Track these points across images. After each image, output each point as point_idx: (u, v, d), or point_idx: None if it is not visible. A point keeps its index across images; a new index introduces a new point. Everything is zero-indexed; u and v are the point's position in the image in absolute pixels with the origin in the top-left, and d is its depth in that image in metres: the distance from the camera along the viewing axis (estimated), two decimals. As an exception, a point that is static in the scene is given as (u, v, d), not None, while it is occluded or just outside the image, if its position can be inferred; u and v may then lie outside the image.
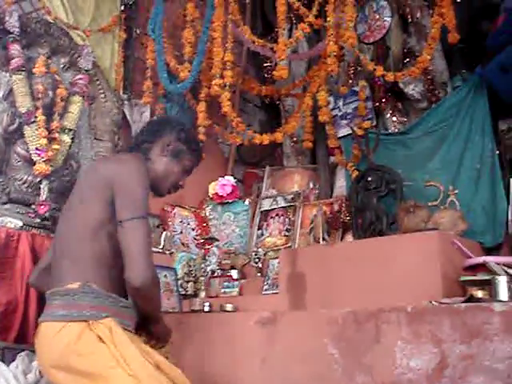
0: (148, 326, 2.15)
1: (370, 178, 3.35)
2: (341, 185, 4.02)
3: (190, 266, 3.66)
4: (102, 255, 2.03)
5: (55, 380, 1.96)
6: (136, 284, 1.92)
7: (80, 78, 3.66)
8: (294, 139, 4.51)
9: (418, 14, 3.95)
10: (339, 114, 4.21)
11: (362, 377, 2.05)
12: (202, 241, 3.94)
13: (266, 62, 4.71)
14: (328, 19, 3.26)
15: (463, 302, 2.02)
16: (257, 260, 3.62)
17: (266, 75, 4.73)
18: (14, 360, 2.72)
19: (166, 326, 2.20)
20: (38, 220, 3.35)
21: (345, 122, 4.16)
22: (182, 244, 3.96)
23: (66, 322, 1.92)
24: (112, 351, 1.87)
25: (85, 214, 2.04)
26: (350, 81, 4.15)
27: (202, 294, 3.52)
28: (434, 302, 2.13)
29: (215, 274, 3.65)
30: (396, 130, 3.96)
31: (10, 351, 2.86)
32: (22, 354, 2.69)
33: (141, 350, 1.92)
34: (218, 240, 3.96)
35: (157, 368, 1.91)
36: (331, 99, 4.11)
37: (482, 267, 2.37)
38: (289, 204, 4.04)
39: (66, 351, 1.88)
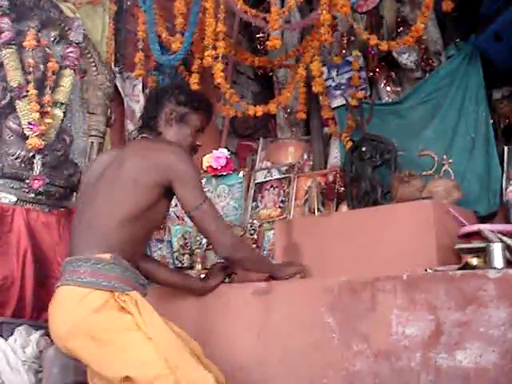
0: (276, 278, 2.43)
1: (364, 148, 3.35)
2: (335, 155, 4.02)
3: (185, 238, 3.66)
4: (136, 237, 2.13)
5: (71, 348, 1.98)
6: (228, 256, 2.27)
7: (71, 51, 3.64)
8: (288, 110, 4.49)
9: (412, -17, 3.91)
10: (333, 84, 4.18)
11: (358, 344, 2.06)
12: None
13: (259, 33, 4.67)
14: (321, -12, 3.22)
15: (458, 270, 2.03)
16: (252, 232, 3.63)
17: (258, 46, 4.69)
18: (11, 334, 2.74)
19: (286, 271, 2.44)
20: (32, 195, 3.35)
21: (338, 92, 4.13)
22: (177, 217, 3.96)
23: (92, 289, 1.96)
24: (136, 318, 1.94)
25: (132, 197, 2.10)
26: (344, 51, 4.11)
27: (198, 267, 3.53)
28: (429, 270, 2.14)
29: (210, 247, 3.66)
30: (390, 100, 3.95)
31: (7, 326, 2.87)
32: (20, 328, 2.71)
33: (164, 320, 2.01)
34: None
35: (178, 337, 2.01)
36: (325, 69, 4.07)
37: (477, 235, 2.37)
38: (283, 176, 4.03)
39: (91, 316, 1.93)
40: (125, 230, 2.07)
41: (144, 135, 2.32)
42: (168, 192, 2.17)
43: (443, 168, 3.10)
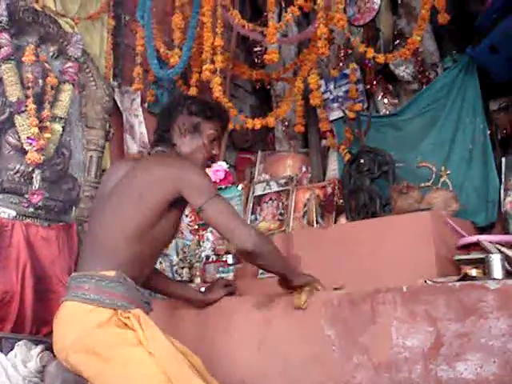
0: (289, 284, 2.27)
1: (362, 161, 3.36)
2: (333, 168, 4.03)
3: (184, 252, 3.67)
4: (143, 254, 2.10)
5: (72, 362, 1.98)
6: (247, 248, 2.04)
7: (70, 66, 3.66)
8: (286, 123, 4.52)
9: (408, -4, 3.94)
10: (330, 97, 4.20)
11: (358, 357, 2.06)
12: (196, 227, 3.94)
13: (256, 47, 4.70)
14: (318, 2, 3.24)
15: (458, 281, 2.04)
16: (251, 245, 3.63)
17: (256, 60, 4.72)
18: (11, 350, 2.73)
19: (303, 279, 2.28)
20: (32, 209, 3.36)
21: (336, 105, 4.15)
22: (176, 230, 3.96)
23: (96, 306, 1.96)
24: (138, 334, 1.93)
25: (138, 213, 2.08)
26: (341, 64, 4.14)
27: (198, 280, 3.53)
28: (428, 282, 2.15)
29: (210, 260, 3.66)
30: (387, 112, 3.98)
31: (7, 341, 2.86)
32: (20, 343, 2.70)
33: (165, 335, 1.99)
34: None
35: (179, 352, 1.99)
36: (322, 82, 4.10)
37: (476, 246, 2.38)
38: (282, 188, 4.04)
39: (93, 332, 1.92)
40: (131, 247, 2.06)
41: (159, 149, 2.31)
42: (176, 207, 2.15)
43: (441, 179, 3.11)
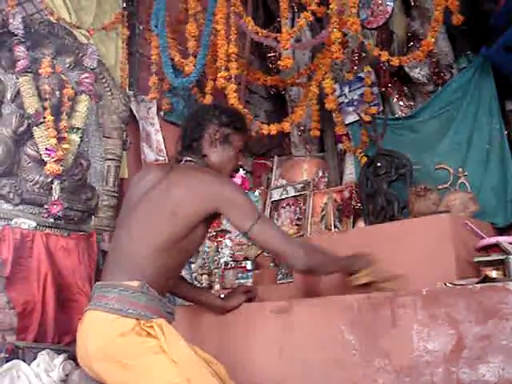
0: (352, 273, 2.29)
1: (379, 164, 3.36)
2: (350, 172, 4.02)
3: (203, 258, 3.68)
4: (169, 266, 2.11)
5: (96, 370, 1.99)
6: (302, 268, 2.15)
7: (86, 77, 3.69)
8: (302, 128, 4.52)
9: (421, -3, 3.93)
10: (345, 100, 4.20)
11: (379, 361, 2.06)
12: (215, 233, 3.95)
13: (270, 53, 4.71)
14: (331, 6, 3.25)
15: (478, 283, 2.02)
16: (269, 250, 3.64)
17: (270, 65, 4.73)
18: (34, 359, 2.75)
19: (358, 262, 2.29)
20: (52, 220, 3.39)
21: (351, 108, 4.15)
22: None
23: (119, 316, 1.96)
24: (161, 342, 1.93)
25: (170, 227, 2.08)
26: (355, 67, 4.14)
27: (217, 286, 3.54)
28: (448, 284, 2.14)
29: (229, 266, 3.67)
30: (403, 115, 3.95)
31: (29, 350, 2.89)
32: (43, 352, 2.72)
33: (188, 344, 2.00)
34: (230, 232, 3.98)
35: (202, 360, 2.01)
36: (337, 86, 4.10)
37: (495, 247, 2.37)
38: (299, 193, 4.04)
39: (116, 340, 1.93)
40: (158, 259, 2.06)
41: (188, 158, 2.30)
42: (206, 221, 2.15)
43: (459, 181, 3.10)
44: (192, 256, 2.37)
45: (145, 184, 2.24)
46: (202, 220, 2.12)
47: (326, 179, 4.15)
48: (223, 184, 2.15)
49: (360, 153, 3.77)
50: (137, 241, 2.09)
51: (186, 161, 2.30)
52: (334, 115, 3.98)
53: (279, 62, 3.36)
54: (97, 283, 2.12)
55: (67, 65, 3.72)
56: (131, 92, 4.18)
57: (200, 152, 2.29)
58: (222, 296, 2.65)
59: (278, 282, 3.28)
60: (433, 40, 3.34)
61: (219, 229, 3.95)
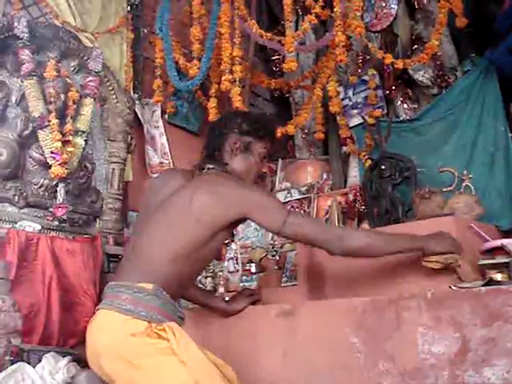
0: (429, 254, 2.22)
1: (383, 167, 3.35)
2: (354, 174, 4.02)
3: (207, 261, 3.68)
4: (184, 273, 2.12)
5: (104, 368, 2.00)
6: (349, 253, 2.14)
7: (91, 80, 3.69)
8: (306, 131, 4.52)
9: (425, 0, 3.93)
10: (350, 103, 4.20)
11: (384, 364, 2.06)
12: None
13: (274, 56, 4.72)
14: (335, 9, 3.25)
15: (483, 286, 2.02)
16: (274, 253, 3.63)
17: (274, 68, 4.73)
18: (39, 362, 2.75)
19: (439, 244, 2.21)
20: (56, 223, 3.39)
21: (356, 111, 4.15)
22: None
23: (131, 317, 1.97)
24: (171, 344, 1.94)
25: (192, 235, 2.09)
26: (359, 70, 4.14)
27: (221, 289, 3.54)
28: (453, 287, 2.14)
29: (233, 269, 3.67)
30: (407, 117, 3.95)
31: (34, 353, 2.88)
32: (48, 355, 2.71)
33: (199, 346, 2.01)
34: (234, 235, 3.97)
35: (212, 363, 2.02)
36: (341, 89, 4.10)
37: (500, 250, 2.36)
38: (303, 196, 4.04)
39: (127, 339, 1.94)
40: (175, 266, 2.06)
41: (210, 166, 2.29)
42: (228, 228, 2.16)
43: (463, 183, 3.09)
44: (209, 264, 2.37)
45: (167, 189, 2.24)
46: (225, 227, 2.13)
47: (331, 182, 4.15)
48: (246, 188, 2.16)
49: (364, 156, 3.77)
50: (157, 245, 2.09)
51: (208, 168, 2.30)
52: (338, 118, 3.98)
53: (283, 65, 3.37)
54: (110, 283, 2.12)
55: (72, 68, 3.73)
56: (136, 95, 4.19)
57: (221, 161, 2.30)
58: (227, 299, 2.66)
59: (283, 284, 3.28)
60: (437, 43, 3.35)
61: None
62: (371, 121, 3.70)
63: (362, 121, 3.87)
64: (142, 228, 2.21)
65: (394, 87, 4.03)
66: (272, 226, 2.12)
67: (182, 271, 2.08)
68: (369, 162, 3.65)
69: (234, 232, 3.97)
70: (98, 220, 3.72)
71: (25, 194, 3.35)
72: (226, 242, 3.81)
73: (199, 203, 2.11)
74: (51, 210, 3.37)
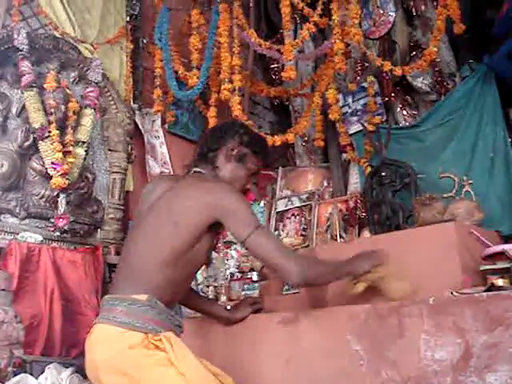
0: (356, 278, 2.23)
1: (383, 173, 3.35)
2: (355, 181, 4.02)
3: (209, 270, 3.68)
4: (176, 279, 2.10)
5: (104, 382, 1.99)
6: (296, 283, 2.10)
7: (91, 91, 3.71)
8: (306, 138, 4.53)
9: (422, 7, 3.96)
10: (349, 110, 4.21)
11: (387, 371, 2.05)
12: (220, 245, 3.96)
13: (273, 64, 4.73)
14: (333, 18, 3.27)
15: (484, 291, 2.02)
16: (275, 261, 3.63)
17: (273, 77, 4.75)
18: (42, 373, 2.75)
19: (364, 264, 2.22)
20: (58, 233, 3.40)
21: (355, 118, 4.15)
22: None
23: (127, 329, 1.97)
24: (169, 355, 1.94)
25: (173, 239, 2.07)
26: (358, 77, 4.15)
27: (223, 298, 3.54)
28: (455, 293, 2.14)
29: (235, 277, 3.67)
30: (407, 124, 3.96)
31: (37, 364, 2.89)
32: (51, 366, 2.72)
33: (197, 356, 2.00)
34: (235, 243, 3.97)
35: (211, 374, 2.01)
36: (340, 97, 4.11)
37: (501, 256, 2.36)
38: (304, 203, 4.04)
39: (124, 352, 1.94)
40: (164, 273, 2.06)
41: (197, 170, 2.30)
42: (211, 231, 2.15)
43: (464, 189, 3.10)
44: (199, 268, 2.36)
45: (154, 196, 2.25)
46: (206, 230, 2.11)
47: (331, 189, 4.16)
48: (223, 192, 2.13)
49: (364, 162, 3.77)
50: (143, 254, 2.09)
51: (194, 172, 2.31)
52: (337, 125, 3.99)
53: (282, 74, 3.38)
54: (105, 296, 2.13)
55: (72, 79, 3.75)
56: (136, 105, 4.20)
57: (213, 163, 2.29)
58: (229, 307, 2.65)
59: (284, 293, 3.27)
60: (435, 49, 3.35)
61: (225, 240, 3.95)
62: (371, 128, 3.70)
63: (361, 128, 3.88)
64: (131, 238, 2.22)
65: (393, 94, 4.04)
66: (237, 235, 2.10)
67: (171, 277, 2.07)
68: (369, 168, 3.66)
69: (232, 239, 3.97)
70: (99, 230, 3.73)
71: (26, 205, 3.36)
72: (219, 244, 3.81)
73: (176, 207, 2.11)
74: (52, 220, 3.38)
